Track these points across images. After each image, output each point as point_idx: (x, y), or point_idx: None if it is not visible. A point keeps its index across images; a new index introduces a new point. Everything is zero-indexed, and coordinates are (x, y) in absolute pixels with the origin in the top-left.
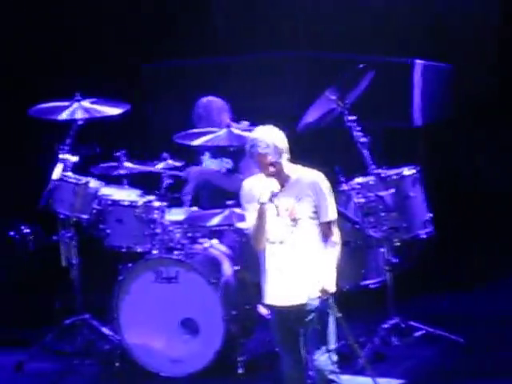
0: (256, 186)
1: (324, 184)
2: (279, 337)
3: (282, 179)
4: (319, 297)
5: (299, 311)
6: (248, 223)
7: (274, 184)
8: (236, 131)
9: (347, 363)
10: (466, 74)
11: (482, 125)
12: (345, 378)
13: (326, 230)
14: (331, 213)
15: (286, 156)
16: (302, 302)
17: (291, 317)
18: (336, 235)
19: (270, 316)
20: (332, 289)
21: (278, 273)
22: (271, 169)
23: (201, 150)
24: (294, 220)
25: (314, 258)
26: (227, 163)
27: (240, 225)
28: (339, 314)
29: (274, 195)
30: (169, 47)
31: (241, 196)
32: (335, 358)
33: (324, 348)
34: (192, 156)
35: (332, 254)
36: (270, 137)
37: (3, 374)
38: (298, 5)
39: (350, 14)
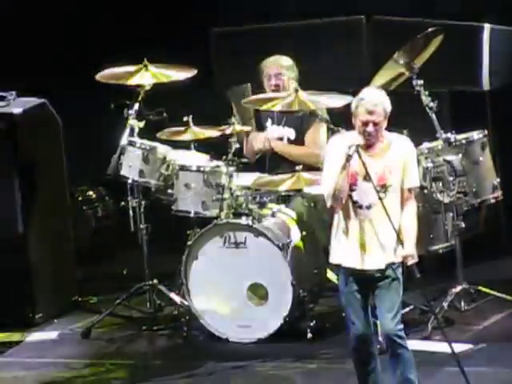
0: (343, 142)
1: (413, 150)
2: (349, 300)
3: (376, 142)
4: (399, 263)
5: (374, 276)
6: (329, 181)
7: (358, 138)
8: (304, 97)
9: (415, 328)
10: None
11: None
12: (413, 342)
13: (409, 195)
14: (417, 179)
15: (386, 122)
16: (380, 267)
17: (365, 280)
18: (416, 202)
19: (341, 277)
20: (416, 255)
21: (361, 236)
22: (372, 128)
23: (263, 117)
24: (384, 186)
25: (397, 225)
26: (290, 133)
27: (308, 190)
28: (418, 275)
29: (356, 149)
30: (236, 11)
31: (326, 152)
32: (402, 323)
33: (393, 313)
34: (256, 122)
35: (415, 220)
36: (381, 97)
37: (72, 340)
38: None
39: None
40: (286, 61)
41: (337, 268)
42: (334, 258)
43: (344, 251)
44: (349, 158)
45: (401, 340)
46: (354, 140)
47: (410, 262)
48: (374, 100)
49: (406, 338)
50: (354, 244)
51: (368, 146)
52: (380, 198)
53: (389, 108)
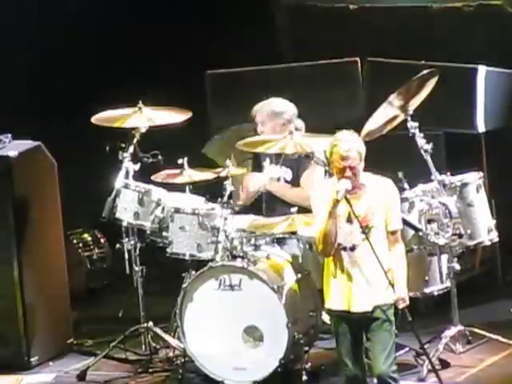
0: (329, 187)
1: (395, 192)
2: (342, 342)
3: (356, 185)
4: (390, 305)
5: (365, 318)
6: (318, 226)
7: (346, 182)
8: (299, 140)
9: (410, 371)
10: None
11: None
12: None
13: (393, 238)
14: (399, 221)
15: (363, 163)
16: (368, 309)
17: (356, 323)
18: (402, 243)
19: (333, 320)
20: (407, 298)
21: (347, 279)
22: (349, 172)
23: (262, 156)
24: (367, 227)
25: (383, 266)
26: (286, 173)
27: (303, 232)
28: (410, 318)
29: (346, 191)
30: (232, 54)
31: (312, 198)
32: (395, 365)
33: (385, 354)
34: (253, 163)
35: (403, 262)
36: (353, 140)
37: (67, 382)
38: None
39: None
40: (271, 108)
41: (329, 311)
42: (328, 302)
43: (332, 294)
44: (337, 202)
45: (394, 382)
46: (342, 185)
47: (402, 305)
48: (346, 146)
49: (401, 381)
50: (340, 287)
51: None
52: (367, 237)
53: (363, 149)
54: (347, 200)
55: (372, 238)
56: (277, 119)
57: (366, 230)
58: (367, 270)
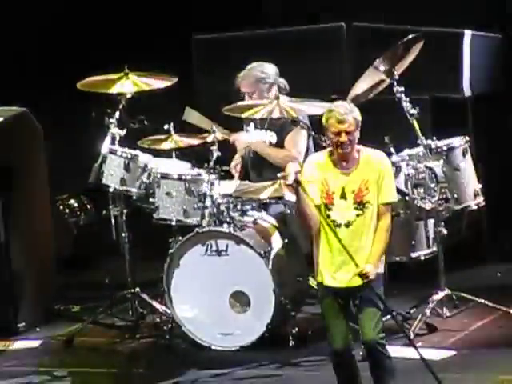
0: (314, 164)
1: (389, 166)
2: (328, 316)
3: (350, 158)
4: (379, 274)
5: (353, 293)
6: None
7: (293, 165)
8: (285, 104)
9: (395, 336)
10: None
11: None
12: (394, 349)
13: (383, 210)
14: (393, 195)
15: (358, 132)
16: (358, 284)
17: (345, 297)
18: (389, 218)
19: (321, 294)
20: (372, 274)
21: (339, 254)
22: (345, 137)
23: (246, 122)
24: (361, 203)
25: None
26: (272, 136)
27: (290, 197)
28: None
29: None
30: (219, 19)
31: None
32: (383, 332)
33: (374, 321)
34: (239, 128)
35: (383, 237)
36: (349, 107)
37: (54, 348)
38: None
39: None
40: (253, 75)
41: (318, 284)
42: (318, 274)
43: (325, 269)
44: (291, 187)
45: (382, 348)
46: (291, 168)
47: (364, 280)
48: (343, 110)
49: (388, 346)
50: (333, 262)
51: (342, 159)
52: (357, 215)
53: (359, 117)
54: (299, 184)
55: (366, 214)
56: (261, 85)
57: (360, 205)
58: (361, 246)
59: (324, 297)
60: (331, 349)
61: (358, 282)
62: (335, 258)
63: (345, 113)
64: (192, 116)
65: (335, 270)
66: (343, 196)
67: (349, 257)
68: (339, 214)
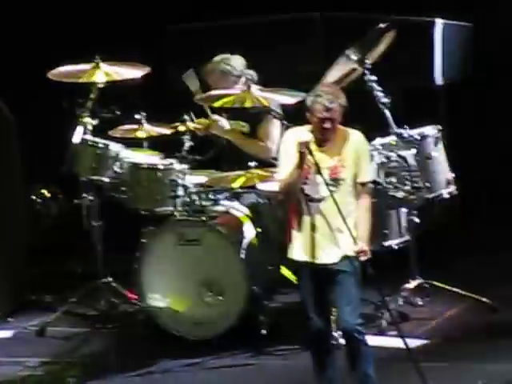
0: (297, 136)
1: (366, 145)
2: (306, 294)
3: (329, 137)
4: (354, 257)
5: (330, 270)
6: (282, 175)
7: (310, 135)
8: (256, 93)
9: (371, 323)
10: (488, 33)
11: (503, 84)
12: (368, 338)
13: (362, 189)
14: (370, 173)
15: (340, 118)
16: (333, 261)
17: (321, 275)
18: (369, 197)
19: (298, 272)
20: (368, 251)
21: (313, 230)
22: (328, 124)
23: (219, 111)
24: (336, 180)
25: (350, 219)
26: (243, 127)
27: (262, 187)
28: (371, 271)
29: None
30: (193, 7)
31: (280, 145)
32: (360, 318)
33: (351, 306)
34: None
35: (367, 215)
36: (336, 93)
37: (26, 338)
38: None
39: None
40: (219, 69)
41: (293, 262)
42: (289, 252)
43: (298, 245)
44: (301, 155)
45: (360, 335)
46: (304, 137)
47: (362, 258)
48: (330, 97)
49: (364, 332)
50: (306, 238)
51: (323, 141)
52: (330, 192)
53: (345, 103)
54: (310, 153)
55: (340, 191)
56: (227, 78)
57: (334, 182)
58: (335, 222)
59: (300, 275)
60: (308, 326)
61: (333, 259)
62: (311, 234)
63: (332, 100)
64: (191, 80)
65: (311, 246)
66: (318, 171)
67: (325, 232)
68: (313, 188)
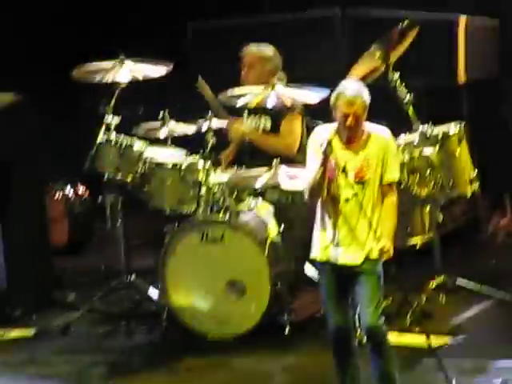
0: (321, 135)
1: (393, 143)
2: (328, 294)
3: (356, 135)
4: (377, 258)
5: (352, 270)
6: (308, 173)
7: (330, 134)
8: (281, 91)
9: (395, 321)
10: None
11: None
12: (391, 335)
13: (387, 188)
14: (397, 173)
15: (366, 114)
16: (356, 262)
17: (344, 275)
18: (396, 196)
19: (321, 272)
20: (391, 250)
21: (338, 231)
22: (353, 121)
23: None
24: (362, 180)
25: (376, 219)
26: (266, 121)
27: (286, 185)
28: (394, 270)
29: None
30: (215, 5)
31: (308, 146)
32: (383, 317)
33: (374, 306)
34: (234, 113)
35: (391, 214)
36: (360, 89)
37: (50, 336)
38: None
39: None
40: (262, 52)
41: (316, 262)
42: (313, 251)
43: (322, 245)
44: (324, 155)
45: (382, 335)
46: (326, 137)
47: (386, 256)
48: (353, 92)
49: (387, 331)
50: (332, 238)
51: (348, 139)
52: (355, 192)
53: (368, 100)
54: (331, 152)
55: (367, 191)
56: (266, 64)
57: (360, 182)
58: (359, 223)
59: (322, 274)
60: (330, 326)
61: (358, 259)
62: (336, 234)
63: (355, 96)
64: (203, 87)
65: (334, 245)
66: (344, 171)
67: (349, 233)
68: (339, 188)
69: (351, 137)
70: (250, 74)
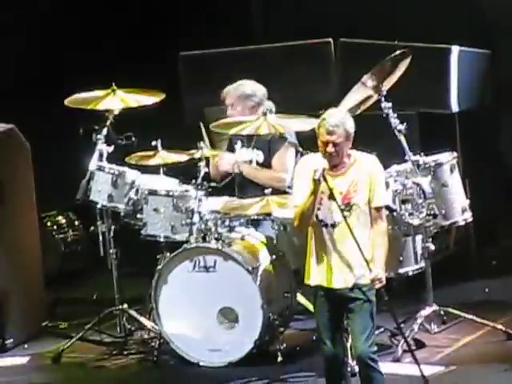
0: (312, 163)
1: (380, 169)
2: (321, 319)
3: (340, 162)
4: (369, 285)
5: (345, 296)
6: (296, 201)
7: (325, 162)
8: (272, 120)
9: (387, 350)
10: (504, 60)
11: None
12: (383, 365)
13: (376, 215)
14: (384, 198)
15: (349, 143)
16: (348, 285)
17: (336, 300)
18: (385, 221)
19: (314, 298)
20: (384, 278)
21: (327, 255)
22: (332, 148)
23: (234, 139)
24: (349, 204)
25: (364, 244)
26: (258, 155)
27: (277, 213)
28: (386, 298)
29: (322, 173)
30: (206, 36)
31: (295, 172)
32: (375, 346)
33: (365, 335)
34: (228, 144)
35: (383, 241)
36: (341, 118)
37: (42, 365)
38: None
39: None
40: (240, 91)
41: (308, 287)
42: (306, 277)
43: (313, 270)
44: (317, 182)
45: (374, 363)
46: (319, 164)
47: (378, 285)
48: (335, 121)
49: (378, 360)
50: (321, 263)
51: (333, 166)
52: (344, 217)
53: (351, 129)
54: (325, 180)
55: (353, 216)
56: (247, 101)
57: (347, 207)
58: (348, 248)
59: (316, 301)
60: (322, 351)
61: (348, 284)
62: (326, 259)
63: (335, 124)
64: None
65: (325, 271)
66: (331, 197)
67: (339, 256)
68: (326, 214)
69: (332, 164)
70: (234, 113)
